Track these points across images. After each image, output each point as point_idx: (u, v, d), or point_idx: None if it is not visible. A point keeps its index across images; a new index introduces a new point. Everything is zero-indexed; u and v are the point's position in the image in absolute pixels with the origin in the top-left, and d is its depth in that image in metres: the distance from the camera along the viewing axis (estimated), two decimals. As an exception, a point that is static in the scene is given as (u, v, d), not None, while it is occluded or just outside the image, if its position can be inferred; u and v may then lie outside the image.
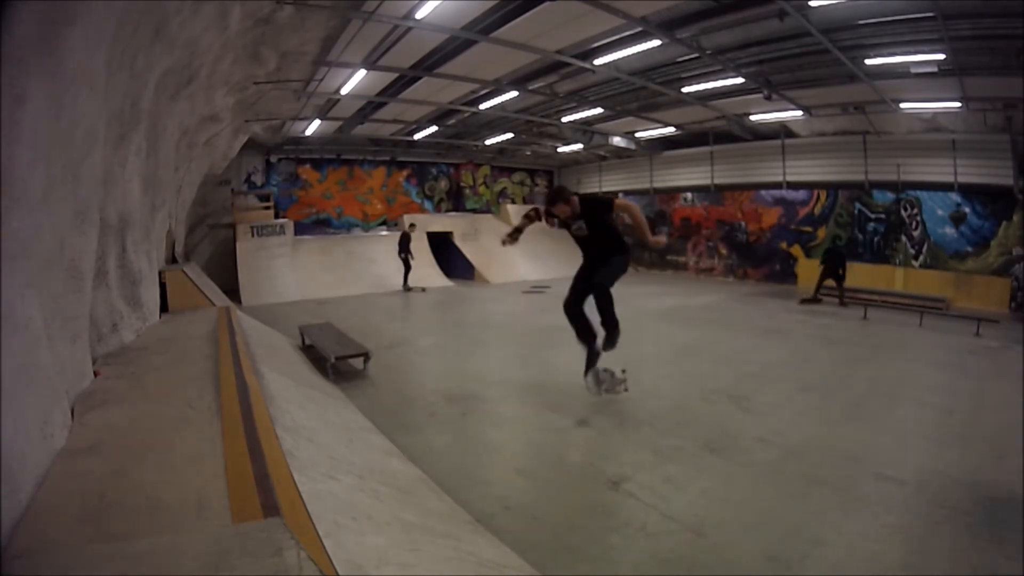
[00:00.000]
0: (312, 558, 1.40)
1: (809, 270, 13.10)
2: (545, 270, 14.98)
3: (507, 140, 15.60)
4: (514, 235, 4.64)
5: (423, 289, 12.48)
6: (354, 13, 6.22)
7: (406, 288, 12.49)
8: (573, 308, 4.53)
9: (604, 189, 18.53)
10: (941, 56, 7.32)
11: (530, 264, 15.11)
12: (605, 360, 4.68)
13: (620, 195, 5.28)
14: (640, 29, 6.95)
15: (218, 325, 5.08)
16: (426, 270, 13.74)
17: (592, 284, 4.32)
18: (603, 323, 4.43)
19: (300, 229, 13.87)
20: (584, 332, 4.56)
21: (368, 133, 14.33)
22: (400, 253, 12.56)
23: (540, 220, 4.58)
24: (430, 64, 8.49)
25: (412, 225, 13.25)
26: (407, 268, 12.60)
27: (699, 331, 7.92)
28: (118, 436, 2.33)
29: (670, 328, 8.24)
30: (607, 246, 4.38)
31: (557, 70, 9.07)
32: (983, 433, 4.06)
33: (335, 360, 5.37)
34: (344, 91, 9.51)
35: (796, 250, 13.64)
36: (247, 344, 4.57)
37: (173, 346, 4.18)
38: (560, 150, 16.76)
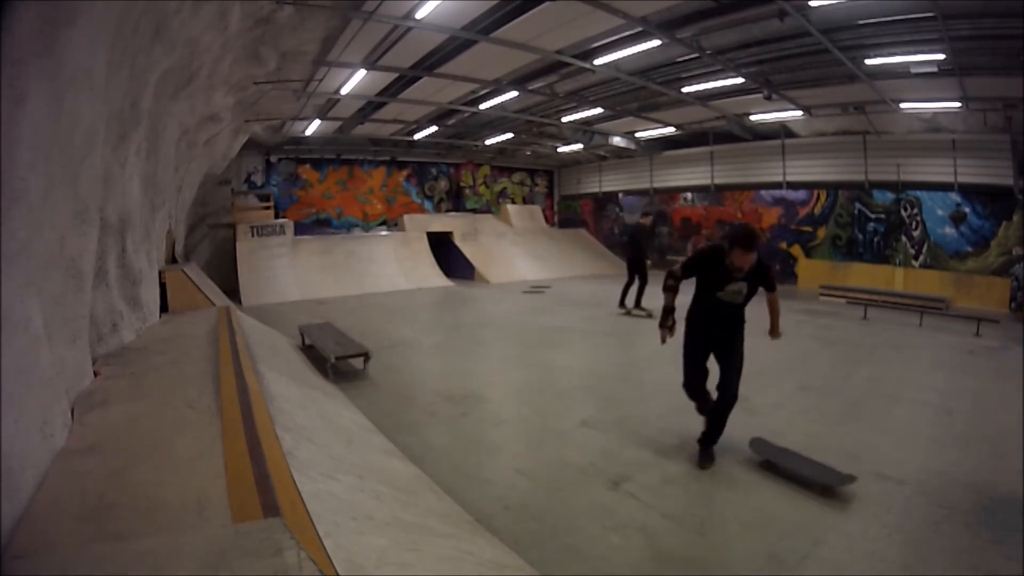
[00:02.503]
0: (312, 558, 1.40)
1: (809, 270, 13.13)
2: (545, 270, 14.98)
3: (507, 140, 15.60)
4: (670, 321, 3.64)
5: (648, 313, 8.52)
6: (354, 13, 6.22)
7: (636, 307, 8.82)
8: (698, 389, 3.76)
9: (604, 189, 18.57)
10: (941, 56, 7.32)
11: (530, 264, 15.11)
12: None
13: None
14: (640, 29, 6.95)
15: (218, 325, 5.08)
16: (426, 270, 13.73)
17: (727, 383, 3.52)
18: (714, 427, 3.59)
19: (300, 229, 13.86)
20: (708, 404, 3.78)
21: (368, 133, 14.33)
22: (633, 253, 8.84)
23: (683, 279, 3.60)
24: (430, 64, 8.49)
25: (647, 214, 9.48)
26: (643, 277, 8.80)
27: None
28: (118, 436, 2.33)
29: (670, 328, 8.20)
30: (740, 319, 3.57)
31: (557, 70, 9.07)
32: (983, 433, 4.06)
33: (335, 360, 5.37)
34: (344, 91, 9.51)
35: (796, 250, 13.63)
36: (247, 344, 4.57)
37: (173, 346, 4.18)
38: (560, 150, 16.77)
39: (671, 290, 3.62)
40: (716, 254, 3.46)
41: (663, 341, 3.68)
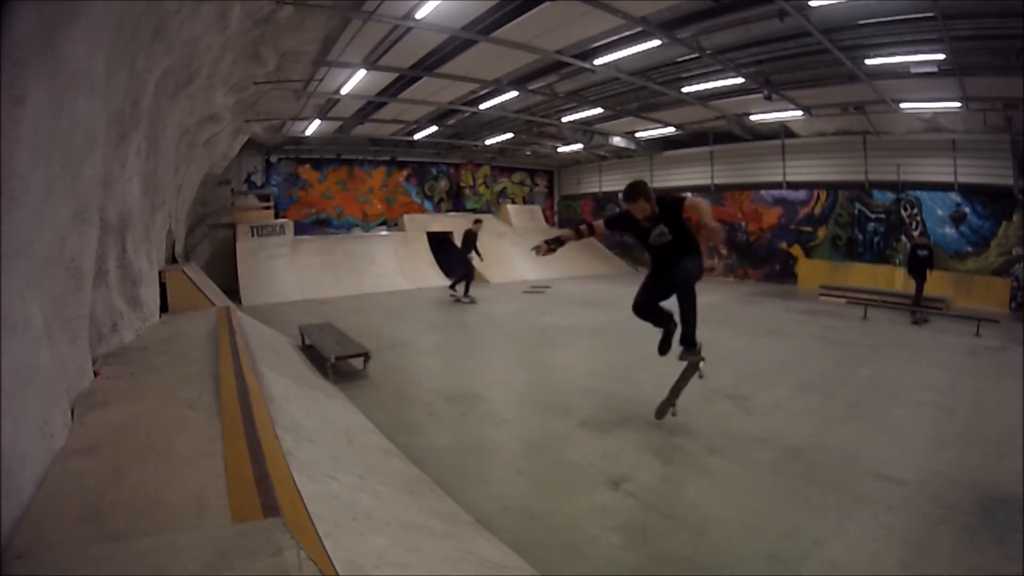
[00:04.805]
0: (312, 558, 1.40)
1: (809, 270, 13.13)
2: (545, 270, 14.97)
3: (507, 140, 15.60)
4: (552, 245, 4.04)
5: (473, 300, 10.61)
6: (354, 13, 6.22)
7: (463, 297, 10.73)
8: (646, 307, 4.09)
9: (604, 189, 18.55)
10: (941, 56, 7.32)
11: (530, 264, 15.09)
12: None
13: (689, 194, 5.07)
14: (640, 29, 6.95)
15: (218, 325, 5.07)
16: (426, 270, 13.73)
17: (676, 281, 3.77)
18: (685, 325, 3.90)
19: (300, 229, 13.87)
20: (664, 319, 4.13)
21: (368, 133, 14.33)
22: (464, 253, 11.00)
23: (591, 235, 4.17)
24: (430, 64, 8.49)
25: (478, 220, 11.66)
26: (470, 273, 10.93)
27: (699, 331, 7.91)
28: (118, 436, 2.33)
29: (670, 328, 8.22)
30: (684, 251, 3.82)
31: (557, 70, 9.07)
32: (983, 433, 4.06)
33: (335, 360, 5.37)
34: (344, 91, 9.51)
35: (796, 250, 13.64)
36: (247, 344, 4.56)
37: (173, 346, 4.18)
38: (560, 150, 16.76)
39: (573, 231, 4.16)
40: (626, 215, 3.93)
41: (537, 251, 4.08)
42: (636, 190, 3.71)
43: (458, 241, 14.74)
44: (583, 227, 4.14)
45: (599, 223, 4.16)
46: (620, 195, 3.98)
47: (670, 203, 3.79)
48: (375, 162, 16.65)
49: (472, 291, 10.88)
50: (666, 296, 4.01)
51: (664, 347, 4.18)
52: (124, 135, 3.94)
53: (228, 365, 3.51)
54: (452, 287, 11.03)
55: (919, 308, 8.94)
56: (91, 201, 3.00)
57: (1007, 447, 3.75)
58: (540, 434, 4.16)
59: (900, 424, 4.30)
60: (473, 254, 10.95)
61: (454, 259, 14.39)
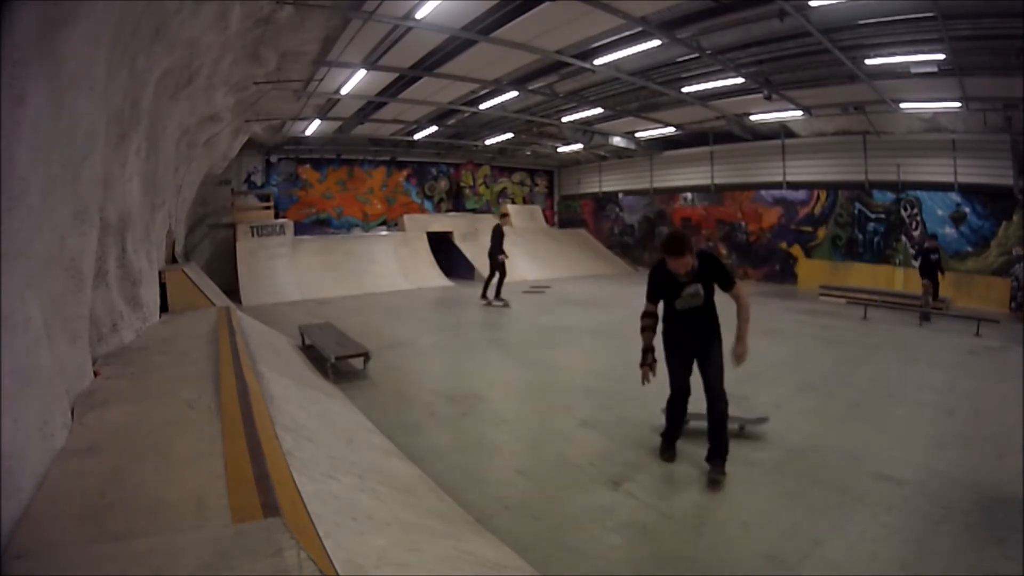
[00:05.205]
0: (312, 558, 1.40)
1: (809, 270, 13.12)
2: (545, 270, 14.97)
3: (507, 140, 15.60)
4: (650, 355, 3.54)
5: (506, 304, 9.92)
6: (354, 13, 6.22)
7: (495, 299, 10.03)
8: (680, 408, 3.64)
9: (604, 189, 18.57)
10: (941, 56, 7.32)
11: (530, 264, 15.10)
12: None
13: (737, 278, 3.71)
14: (640, 29, 6.95)
15: (218, 325, 5.07)
16: (426, 270, 13.73)
17: (711, 391, 3.38)
18: (716, 440, 3.40)
19: (300, 229, 13.86)
20: (678, 427, 3.73)
21: (368, 133, 14.33)
22: (495, 253, 10.02)
23: (655, 311, 3.59)
24: (430, 64, 8.49)
25: (505, 214, 10.62)
26: (501, 273, 10.02)
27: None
28: (118, 436, 2.33)
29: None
30: (710, 325, 3.46)
31: (557, 70, 9.07)
32: (983, 433, 4.06)
33: (335, 360, 5.37)
34: (344, 91, 9.51)
35: (796, 250, 13.64)
36: (247, 344, 4.56)
37: (173, 346, 4.18)
38: (560, 150, 16.77)
39: (648, 329, 3.58)
40: (661, 267, 3.44)
41: (644, 381, 3.52)
42: (683, 245, 3.24)
43: (458, 241, 14.82)
44: (646, 321, 3.60)
45: (647, 306, 3.63)
46: (659, 245, 3.32)
47: (709, 261, 3.43)
48: (375, 162, 16.65)
49: (471, 290, 10.83)
50: (690, 368, 3.57)
51: (669, 452, 3.69)
52: (124, 135, 3.94)
53: (228, 365, 3.51)
54: (483, 295, 10.25)
55: (931, 309, 9.07)
56: (91, 201, 3.00)
57: (1007, 447, 3.75)
58: (540, 434, 4.16)
59: (900, 424, 4.30)
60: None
61: (455, 259, 14.41)
